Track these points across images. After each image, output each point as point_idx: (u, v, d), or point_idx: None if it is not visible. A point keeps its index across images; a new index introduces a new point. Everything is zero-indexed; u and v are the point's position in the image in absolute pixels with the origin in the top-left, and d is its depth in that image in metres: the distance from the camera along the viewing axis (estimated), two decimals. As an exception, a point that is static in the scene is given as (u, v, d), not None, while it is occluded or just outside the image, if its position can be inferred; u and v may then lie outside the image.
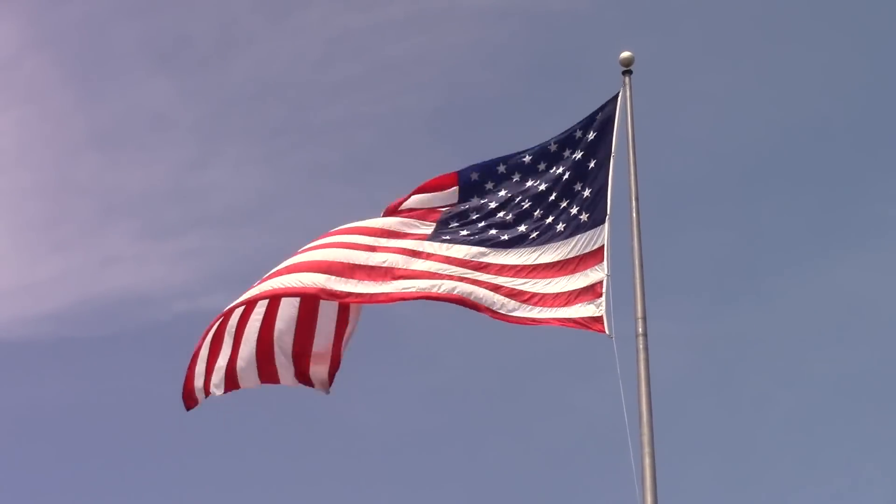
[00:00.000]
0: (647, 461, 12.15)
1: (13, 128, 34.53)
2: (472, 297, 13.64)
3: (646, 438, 12.23)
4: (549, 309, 13.55)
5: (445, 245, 14.25)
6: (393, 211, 14.77)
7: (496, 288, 13.74)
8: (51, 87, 34.61)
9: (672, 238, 30.37)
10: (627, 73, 14.40)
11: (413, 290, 13.78)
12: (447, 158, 32.31)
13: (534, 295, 13.68)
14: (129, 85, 34.92)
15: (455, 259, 14.06)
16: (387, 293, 13.82)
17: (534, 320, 13.57)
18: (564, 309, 13.49)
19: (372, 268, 14.00)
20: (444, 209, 14.68)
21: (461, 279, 13.81)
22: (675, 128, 32.45)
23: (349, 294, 13.84)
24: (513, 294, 13.70)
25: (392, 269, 14.00)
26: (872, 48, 33.78)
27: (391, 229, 14.49)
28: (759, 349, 30.29)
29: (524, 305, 13.63)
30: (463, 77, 34.76)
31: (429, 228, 14.54)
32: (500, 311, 13.61)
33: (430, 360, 30.72)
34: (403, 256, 14.12)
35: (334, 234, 14.48)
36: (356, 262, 13.99)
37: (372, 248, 14.20)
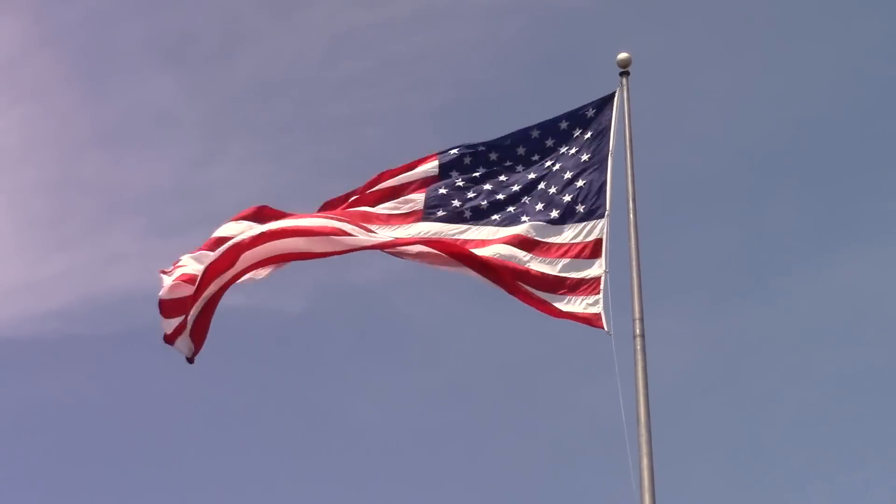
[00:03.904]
0: (646, 462, 12.14)
1: (18, 125, 34.57)
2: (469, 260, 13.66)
3: (644, 439, 12.21)
4: (547, 294, 13.56)
5: (437, 223, 14.23)
6: (367, 194, 14.58)
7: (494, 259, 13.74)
8: (55, 85, 34.68)
9: (676, 236, 30.41)
10: (625, 74, 14.42)
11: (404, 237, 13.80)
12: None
13: (530, 273, 13.70)
14: (133, 82, 35.00)
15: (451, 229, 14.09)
16: (373, 243, 13.73)
17: (532, 300, 13.58)
18: (563, 300, 13.50)
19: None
20: (427, 184, 14.55)
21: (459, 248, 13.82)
22: (679, 125, 32.52)
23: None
24: (511, 269, 13.70)
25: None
26: (875, 44, 33.78)
27: (378, 214, 14.41)
28: (763, 347, 30.30)
29: (521, 283, 13.62)
30: (469, 74, 34.81)
31: (417, 205, 14.50)
32: (500, 282, 13.64)
33: (432, 359, 30.79)
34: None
35: (308, 218, 14.34)
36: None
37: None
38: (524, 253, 13.81)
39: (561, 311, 13.44)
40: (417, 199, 14.48)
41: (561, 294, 13.55)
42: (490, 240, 14.00)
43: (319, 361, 31.20)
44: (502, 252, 13.78)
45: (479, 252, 13.75)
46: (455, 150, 14.76)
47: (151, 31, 35.49)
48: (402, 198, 14.50)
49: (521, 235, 13.93)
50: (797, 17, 34.37)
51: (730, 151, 33.24)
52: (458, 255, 13.72)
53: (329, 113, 34.87)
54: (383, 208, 14.41)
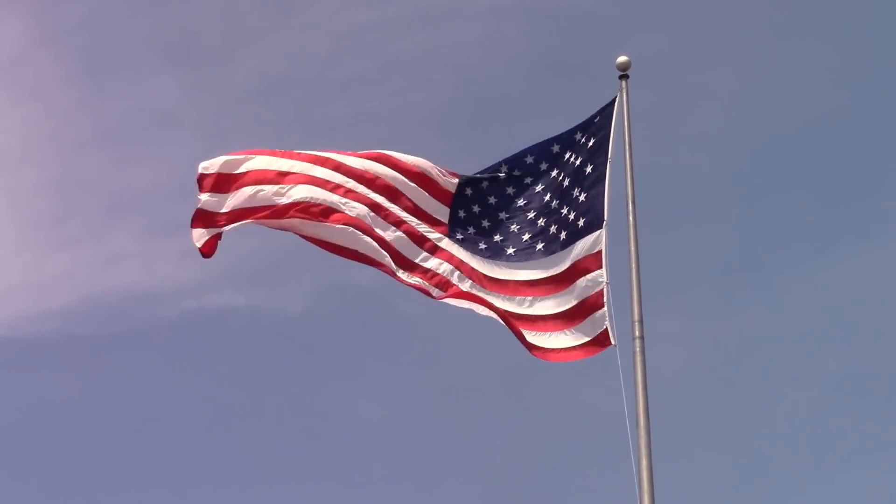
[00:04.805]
0: (645, 463, 12.15)
1: (19, 125, 34.61)
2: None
3: (643, 441, 12.22)
4: (553, 335, 13.57)
5: (457, 246, 14.28)
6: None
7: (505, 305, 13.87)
8: (57, 85, 34.69)
9: (676, 236, 30.42)
10: (624, 77, 14.35)
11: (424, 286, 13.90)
12: (455, 155, 32.16)
13: (538, 318, 13.74)
14: (135, 82, 35.00)
15: (466, 266, 14.17)
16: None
17: (540, 351, 13.66)
18: (568, 335, 13.50)
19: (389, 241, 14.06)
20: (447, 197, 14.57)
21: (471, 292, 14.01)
22: (679, 125, 32.54)
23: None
24: (519, 317, 13.80)
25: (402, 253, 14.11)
26: (876, 44, 33.79)
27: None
28: (764, 347, 30.33)
29: (529, 331, 13.71)
30: (471, 73, 34.80)
31: (443, 214, 14.47)
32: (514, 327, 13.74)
33: (434, 358, 30.80)
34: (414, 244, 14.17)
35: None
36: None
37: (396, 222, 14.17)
38: (531, 299, 13.92)
39: (567, 350, 13.49)
40: (442, 210, 14.47)
41: (563, 328, 13.58)
42: (503, 280, 14.08)
43: (320, 361, 31.24)
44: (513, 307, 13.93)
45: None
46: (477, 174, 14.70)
47: (152, 30, 35.54)
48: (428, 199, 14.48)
49: (530, 280, 13.99)
50: (798, 17, 34.42)
51: (730, 151, 33.30)
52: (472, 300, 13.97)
53: (330, 112, 34.88)
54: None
